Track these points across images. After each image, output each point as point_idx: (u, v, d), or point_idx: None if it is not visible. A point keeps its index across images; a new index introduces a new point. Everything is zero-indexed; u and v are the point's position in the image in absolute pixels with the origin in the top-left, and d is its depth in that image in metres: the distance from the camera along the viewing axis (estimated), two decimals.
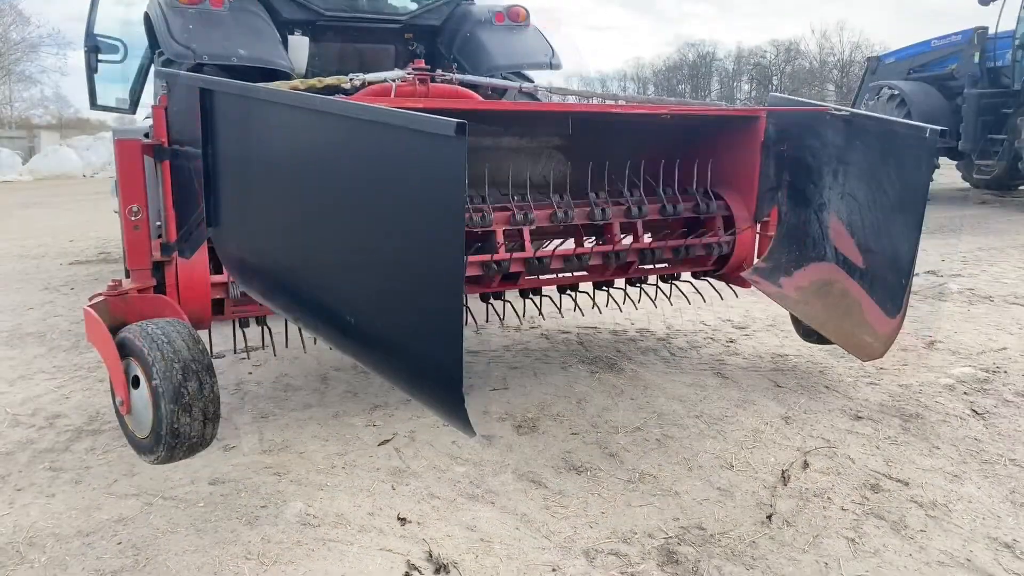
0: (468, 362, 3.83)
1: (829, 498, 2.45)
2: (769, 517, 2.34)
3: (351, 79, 3.49)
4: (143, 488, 2.54)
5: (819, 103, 3.18)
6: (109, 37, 5.46)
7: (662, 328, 4.42)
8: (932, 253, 6.87)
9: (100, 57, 5.49)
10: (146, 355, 2.07)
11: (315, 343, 3.54)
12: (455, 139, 1.55)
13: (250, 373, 3.70)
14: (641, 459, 2.72)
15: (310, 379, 3.62)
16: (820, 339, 3.44)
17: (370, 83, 3.66)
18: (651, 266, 3.69)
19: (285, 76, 4.14)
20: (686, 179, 3.56)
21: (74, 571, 2.07)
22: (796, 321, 3.63)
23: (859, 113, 2.97)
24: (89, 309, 2.28)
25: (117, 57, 5.52)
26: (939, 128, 2.57)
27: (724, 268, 3.69)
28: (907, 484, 2.53)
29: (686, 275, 3.83)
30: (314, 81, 3.33)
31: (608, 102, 4.23)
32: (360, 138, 1.80)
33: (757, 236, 3.68)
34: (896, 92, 11.45)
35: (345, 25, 4.97)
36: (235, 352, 3.88)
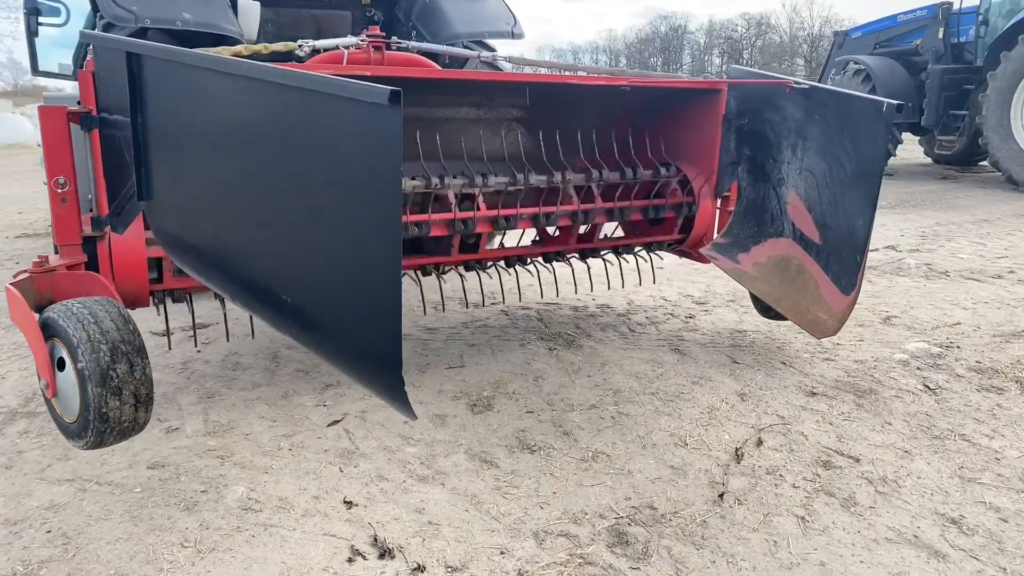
0: (424, 339, 3.76)
1: (781, 475, 2.44)
2: (721, 496, 2.32)
3: (300, 45, 3.35)
4: (77, 473, 2.44)
5: (780, 76, 3.12)
6: None
7: (623, 304, 4.39)
8: (891, 228, 6.93)
9: (41, 20, 5.22)
10: (71, 336, 1.96)
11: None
12: (388, 108, 1.46)
13: (198, 351, 3.59)
14: (595, 437, 2.69)
15: (260, 357, 3.52)
16: (778, 315, 3.43)
17: (322, 50, 3.52)
18: (616, 240, 3.64)
19: (234, 42, 3.97)
20: (647, 150, 3.50)
21: None
22: (755, 297, 3.62)
23: (818, 87, 2.93)
24: (11, 287, 2.15)
25: (59, 20, 5.26)
26: (896, 103, 2.53)
27: (686, 242, 3.66)
28: (858, 460, 2.54)
29: (648, 250, 3.79)
30: (260, 47, 3.18)
31: (568, 73, 4.14)
32: (290, 106, 1.69)
33: (718, 211, 3.64)
34: (862, 67, 11.49)
35: None
36: (190, 330, 3.77)
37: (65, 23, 5.25)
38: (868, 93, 11.21)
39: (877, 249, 5.99)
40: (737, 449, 2.60)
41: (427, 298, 3.62)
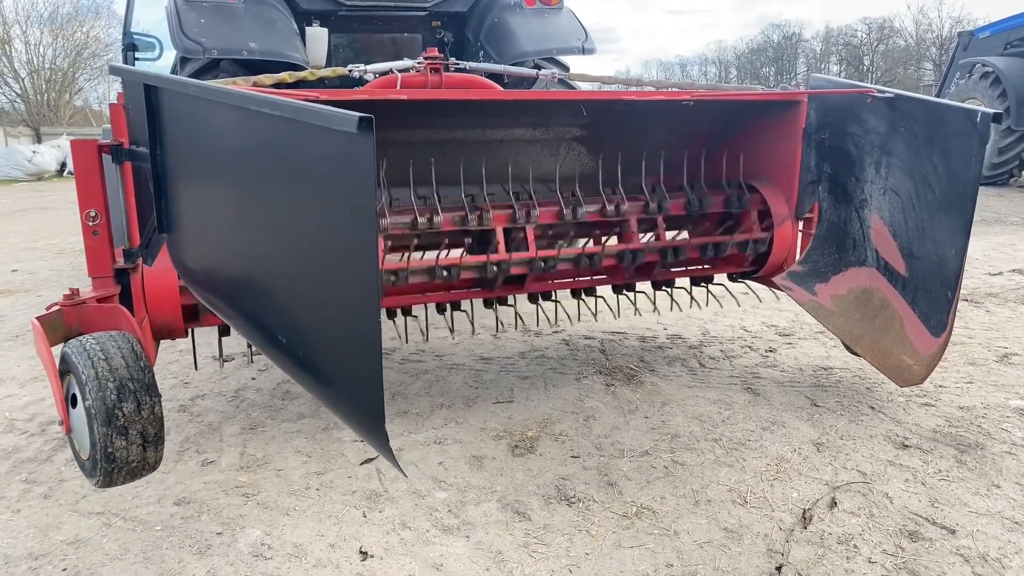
0: (478, 370, 3.60)
1: (855, 546, 2.10)
2: (779, 569, 2.01)
3: (350, 70, 3.30)
4: (108, 506, 2.42)
5: (862, 85, 2.76)
6: (145, 35, 5.46)
7: (697, 334, 4.06)
8: (1021, 248, 6.18)
9: (137, 55, 5.49)
10: (80, 372, 1.93)
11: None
12: (359, 136, 1.31)
13: (253, 379, 3.58)
14: (643, 490, 2.43)
15: None
16: None
17: (376, 73, 3.46)
18: (680, 268, 3.36)
19: (298, 69, 3.98)
20: (720, 171, 3.22)
21: None
22: None
23: (904, 95, 2.56)
24: (36, 320, 2.16)
25: (153, 55, 5.51)
26: (991, 112, 2.15)
27: (762, 269, 3.32)
28: (954, 532, 2.15)
29: (722, 277, 3.48)
30: (306, 73, 3.15)
31: (634, 88, 3.89)
32: (273, 134, 1.58)
33: (799, 234, 3.29)
34: (990, 70, 10.49)
35: (368, 15, 4.78)
36: (248, 357, 3.78)
37: (158, 58, 5.51)
38: (997, 97, 10.24)
39: (1001, 273, 5.33)
40: (805, 511, 2.27)
41: (484, 325, 3.46)
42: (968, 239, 2.28)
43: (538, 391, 3.29)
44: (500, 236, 2.89)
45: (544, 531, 2.23)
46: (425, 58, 3.58)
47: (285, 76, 2.96)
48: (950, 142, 2.31)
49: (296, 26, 4.39)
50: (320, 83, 3.55)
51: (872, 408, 2.97)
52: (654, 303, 3.37)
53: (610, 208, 3.02)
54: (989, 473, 2.46)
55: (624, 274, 3.20)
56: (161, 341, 2.80)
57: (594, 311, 3.37)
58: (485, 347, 3.93)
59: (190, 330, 2.74)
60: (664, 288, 3.37)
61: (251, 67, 4.09)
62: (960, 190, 2.29)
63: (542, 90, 3.82)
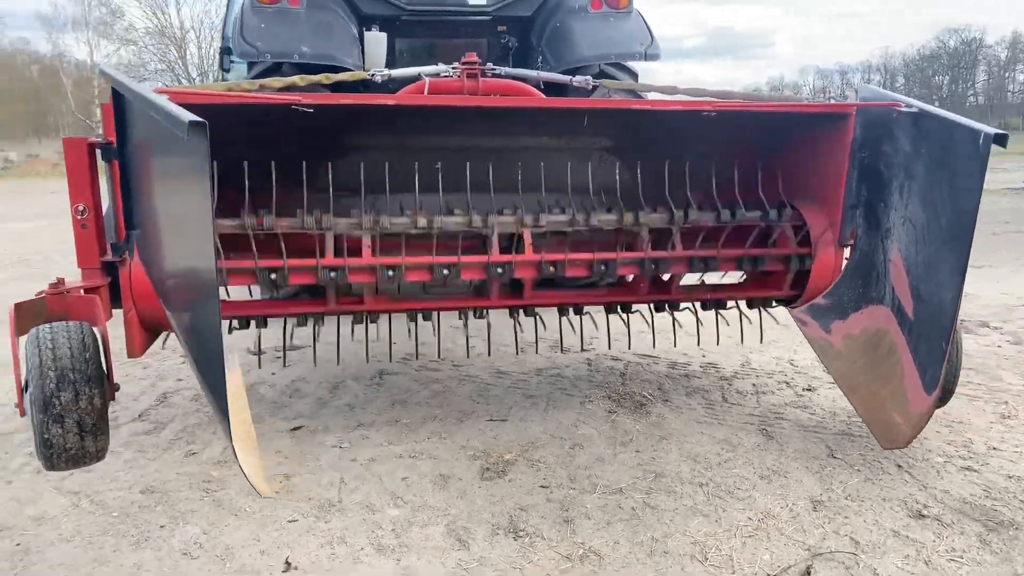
0: (487, 384, 3.50)
1: None
2: None
3: (372, 74, 3.29)
4: (86, 487, 2.53)
5: (900, 98, 2.40)
6: None
7: (735, 365, 3.75)
8: None
9: (232, 58, 5.80)
10: (28, 359, 2.02)
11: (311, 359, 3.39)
12: (192, 138, 1.28)
13: (273, 374, 3.67)
14: (599, 531, 2.24)
15: (322, 386, 3.50)
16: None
17: (404, 78, 3.43)
18: (701, 292, 3.10)
19: (340, 72, 4.03)
20: (757, 188, 2.95)
21: None
22: None
23: (928, 109, 2.19)
24: (13, 305, 2.28)
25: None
26: (994, 132, 1.79)
27: (801, 299, 3.00)
28: None
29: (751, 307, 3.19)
30: (321, 77, 3.17)
31: (682, 98, 3.63)
32: (159, 134, 1.58)
33: (844, 262, 2.95)
34: None
35: (432, 20, 4.79)
36: (281, 351, 3.86)
37: None
38: None
39: None
40: None
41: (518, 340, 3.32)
42: (964, 280, 1.92)
43: (536, 412, 3.15)
44: (495, 238, 2.77)
45: (477, 564, 2.10)
46: (462, 63, 3.52)
47: (296, 80, 2.99)
48: (957, 166, 1.96)
49: (356, 31, 4.47)
50: (335, 87, 3.57)
51: (899, 467, 2.59)
52: (697, 327, 3.09)
53: (628, 217, 2.84)
54: (1016, 559, 2.07)
55: (644, 290, 2.99)
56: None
57: (628, 331, 3.15)
58: (506, 360, 3.81)
59: None
60: (681, 308, 3.11)
61: (307, 70, 4.19)
62: (959, 221, 1.93)
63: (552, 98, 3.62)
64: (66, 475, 2.62)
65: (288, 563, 2.10)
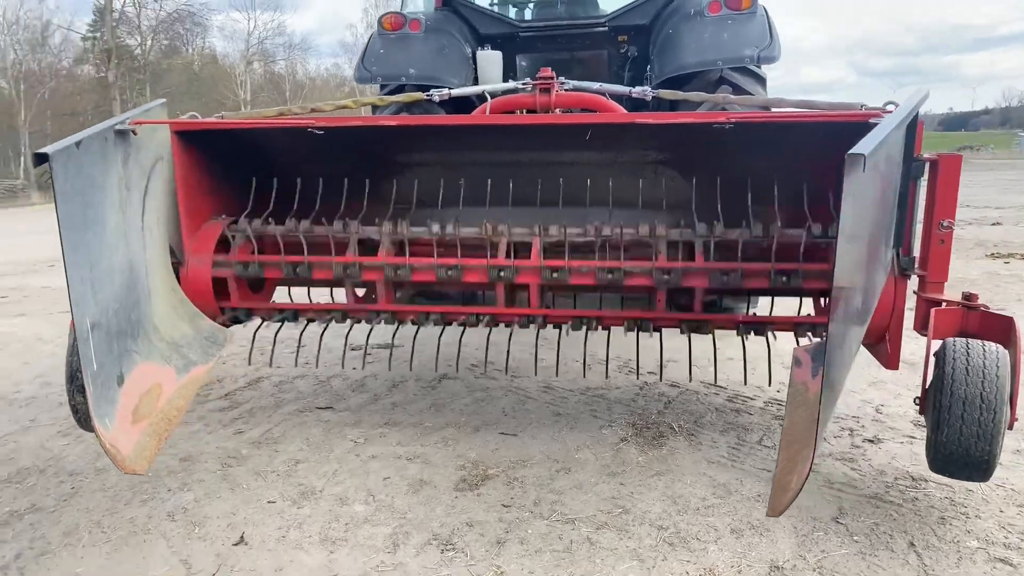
0: (527, 399, 3.50)
1: None
2: None
3: (430, 96, 3.44)
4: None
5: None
6: None
7: None
8: None
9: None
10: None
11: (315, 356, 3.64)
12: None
13: (354, 368, 4.01)
14: (523, 558, 2.20)
15: (385, 383, 3.76)
16: (976, 474, 2.18)
17: (465, 97, 3.57)
18: (726, 313, 2.85)
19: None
20: (802, 202, 2.67)
21: None
22: (932, 443, 2.36)
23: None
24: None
25: None
26: (858, 153, 1.41)
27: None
28: None
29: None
30: (375, 99, 3.39)
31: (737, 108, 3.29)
32: None
33: (908, 292, 2.54)
34: None
35: (550, 35, 4.84)
36: (363, 349, 4.20)
37: None
38: None
39: None
40: None
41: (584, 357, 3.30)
42: None
43: (549, 431, 3.10)
44: (503, 245, 2.82)
45: (392, 569, 2.18)
46: (537, 78, 3.59)
47: (348, 102, 3.27)
48: None
49: (470, 52, 4.67)
50: (388, 108, 3.77)
51: (911, 544, 2.17)
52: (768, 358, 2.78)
53: (644, 228, 2.73)
54: None
55: (659, 307, 2.83)
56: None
57: (715, 358, 2.93)
58: (566, 377, 3.77)
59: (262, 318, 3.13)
60: (706, 331, 2.86)
61: (420, 90, 4.50)
62: None
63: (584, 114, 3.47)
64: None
65: (242, 538, 2.36)
